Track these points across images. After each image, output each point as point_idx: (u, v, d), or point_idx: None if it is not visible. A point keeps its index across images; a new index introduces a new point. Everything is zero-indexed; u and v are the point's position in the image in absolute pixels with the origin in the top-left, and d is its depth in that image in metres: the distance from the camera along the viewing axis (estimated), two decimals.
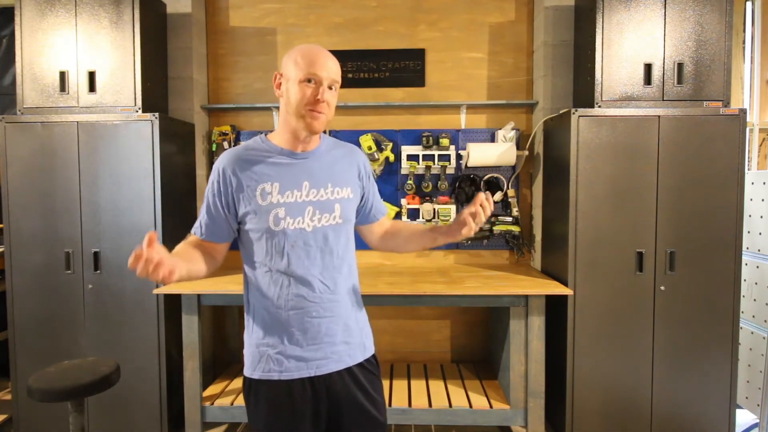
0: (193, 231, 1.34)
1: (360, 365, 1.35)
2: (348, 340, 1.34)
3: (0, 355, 3.05)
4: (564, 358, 2.42)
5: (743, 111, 2.33)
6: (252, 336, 1.32)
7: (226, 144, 2.94)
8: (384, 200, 2.90)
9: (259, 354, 1.30)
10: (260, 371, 1.29)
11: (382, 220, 1.52)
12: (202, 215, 1.33)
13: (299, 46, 1.29)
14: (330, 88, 1.27)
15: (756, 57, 3.23)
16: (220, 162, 1.30)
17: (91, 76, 2.51)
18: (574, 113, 2.35)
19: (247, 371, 1.32)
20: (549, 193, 2.76)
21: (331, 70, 1.26)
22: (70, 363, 1.89)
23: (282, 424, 1.28)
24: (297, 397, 1.28)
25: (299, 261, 1.27)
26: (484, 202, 1.23)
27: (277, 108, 2.90)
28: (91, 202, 2.47)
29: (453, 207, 2.90)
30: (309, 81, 1.24)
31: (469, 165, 2.89)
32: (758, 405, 2.59)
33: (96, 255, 2.47)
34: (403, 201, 2.94)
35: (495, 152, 2.82)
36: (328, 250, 1.31)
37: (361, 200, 1.43)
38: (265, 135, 1.36)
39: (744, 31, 3.24)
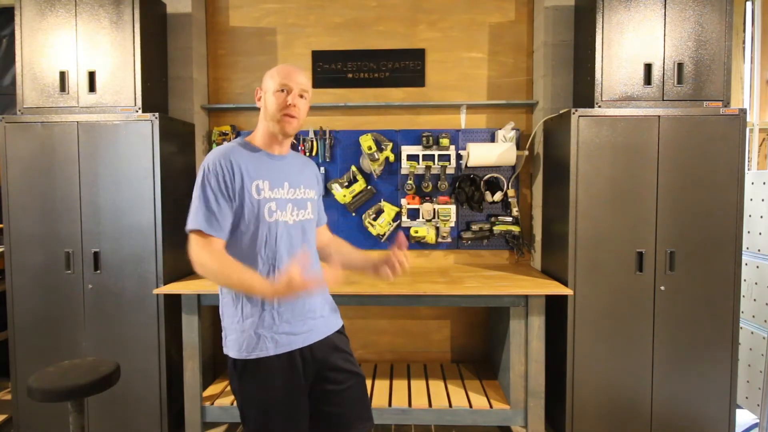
0: (208, 231, 1.38)
1: (335, 333, 1.58)
2: (323, 314, 1.56)
3: (0, 355, 3.05)
4: (564, 358, 2.42)
5: (743, 111, 2.33)
6: (244, 322, 1.44)
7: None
8: (384, 200, 2.98)
9: (256, 336, 1.43)
10: (258, 351, 1.43)
11: (324, 227, 1.75)
12: (212, 214, 1.38)
13: (278, 66, 1.50)
14: (301, 96, 1.47)
15: (756, 57, 3.23)
16: (217, 158, 1.41)
17: (91, 76, 2.51)
18: (574, 113, 2.35)
19: (241, 354, 1.44)
20: (549, 193, 2.76)
21: (301, 81, 1.46)
22: (70, 363, 1.89)
23: (279, 389, 1.44)
24: (290, 367, 1.45)
25: (285, 249, 1.46)
26: (403, 261, 1.47)
27: None
28: (91, 202, 2.47)
29: (453, 207, 2.90)
30: (282, 90, 1.44)
31: (469, 165, 2.89)
32: (758, 405, 2.59)
33: (96, 255, 2.47)
34: (403, 201, 2.94)
35: (495, 152, 2.82)
36: (306, 239, 1.53)
37: None
38: (243, 138, 1.53)
39: (744, 31, 3.24)
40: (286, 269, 1.30)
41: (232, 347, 1.45)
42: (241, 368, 1.44)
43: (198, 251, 1.36)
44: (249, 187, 1.41)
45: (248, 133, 1.66)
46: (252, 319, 1.43)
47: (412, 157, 2.89)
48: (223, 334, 1.50)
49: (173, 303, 2.50)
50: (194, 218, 1.38)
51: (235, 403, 2.50)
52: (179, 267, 2.64)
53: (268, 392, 1.43)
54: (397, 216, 2.96)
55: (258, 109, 1.55)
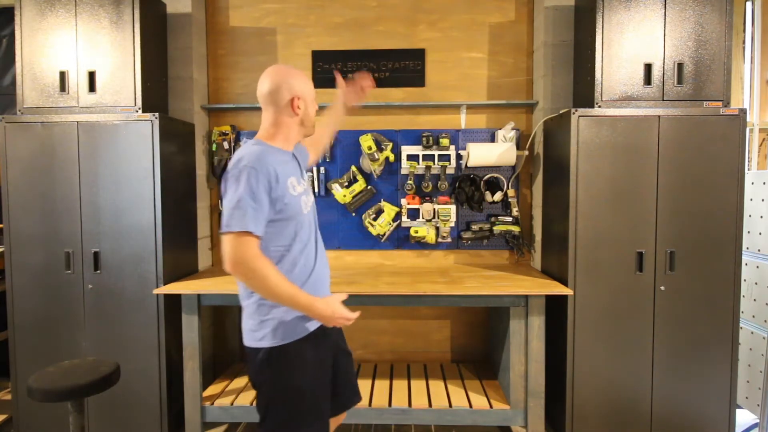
0: (256, 233, 1.40)
1: None
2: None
3: (0, 355, 3.05)
4: (564, 358, 2.42)
5: (743, 111, 2.33)
6: (288, 309, 1.48)
7: (225, 144, 2.94)
8: (384, 200, 3.00)
9: (298, 319, 1.51)
10: (299, 333, 1.52)
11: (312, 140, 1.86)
12: (259, 216, 1.40)
13: (296, 70, 1.59)
14: None
15: (756, 57, 3.23)
16: (262, 160, 1.43)
17: (91, 76, 2.51)
18: (574, 113, 2.35)
19: (280, 339, 1.49)
20: (549, 193, 2.76)
21: None
22: (70, 363, 1.89)
23: (313, 369, 1.54)
24: (316, 347, 1.56)
25: (310, 235, 1.59)
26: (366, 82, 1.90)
27: None
28: (91, 202, 2.47)
29: (453, 207, 2.90)
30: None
31: (469, 165, 2.89)
32: (758, 405, 2.59)
33: (96, 255, 2.47)
34: (403, 201, 2.93)
35: (495, 152, 2.83)
36: (316, 224, 1.66)
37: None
38: (261, 141, 1.55)
39: (744, 31, 3.24)
40: (336, 301, 1.51)
41: (272, 336, 1.49)
42: (277, 355, 1.49)
43: (246, 255, 1.37)
44: (287, 186, 1.49)
45: (248, 134, 1.68)
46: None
47: (412, 157, 2.89)
48: (253, 328, 1.52)
49: (173, 303, 2.50)
50: (242, 219, 1.37)
51: (235, 403, 2.50)
52: (179, 267, 2.64)
53: (306, 372, 1.52)
54: (397, 216, 2.96)
55: (259, 109, 1.57)
